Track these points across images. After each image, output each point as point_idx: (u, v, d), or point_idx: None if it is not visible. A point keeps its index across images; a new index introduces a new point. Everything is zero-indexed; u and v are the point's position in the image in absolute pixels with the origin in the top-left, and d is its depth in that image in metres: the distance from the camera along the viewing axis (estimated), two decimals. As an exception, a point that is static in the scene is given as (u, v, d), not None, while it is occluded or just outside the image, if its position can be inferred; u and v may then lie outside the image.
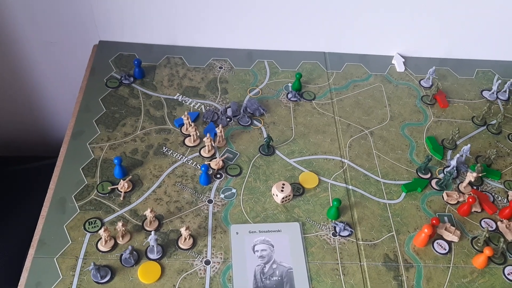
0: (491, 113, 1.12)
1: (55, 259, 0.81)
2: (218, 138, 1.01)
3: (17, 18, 1.19)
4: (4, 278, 0.89)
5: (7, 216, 1.14)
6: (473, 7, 1.15)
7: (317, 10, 1.15)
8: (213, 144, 1.00)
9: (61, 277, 0.79)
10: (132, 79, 1.12)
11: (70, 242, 0.83)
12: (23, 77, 1.33)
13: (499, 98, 1.17)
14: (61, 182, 0.92)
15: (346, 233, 0.89)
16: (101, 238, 0.83)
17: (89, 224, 0.86)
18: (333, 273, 0.83)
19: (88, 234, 0.85)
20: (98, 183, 0.92)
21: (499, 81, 1.16)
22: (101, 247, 0.83)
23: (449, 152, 1.05)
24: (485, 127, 1.11)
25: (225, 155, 0.99)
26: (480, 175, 0.98)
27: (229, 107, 1.08)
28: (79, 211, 0.88)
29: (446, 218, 0.93)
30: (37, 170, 1.24)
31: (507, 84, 1.17)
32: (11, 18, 1.19)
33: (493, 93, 1.17)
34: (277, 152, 1.01)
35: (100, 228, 0.82)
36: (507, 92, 1.17)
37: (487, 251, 0.84)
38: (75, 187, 0.91)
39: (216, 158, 0.98)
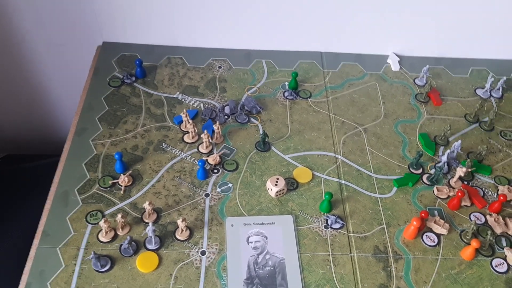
0: (483, 110, 1.14)
1: (57, 249, 0.85)
2: (216, 134, 1.04)
3: (24, 22, 1.23)
4: (11, 266, 0.94)
5: (15, 210, 1.19)
6: (468, 6, 1.17)
7: (313, 10, 1.18)
8: (211, 141, 1.03)
9: (63, 266, 0.83)
10: (134, 78, 1.16)
11: (73, 233, 0.87)
12: (30, 77, 1.38)
13: (492, 96, 1.20)
14: (65, 177, 0.96)
15: (337, 225, 0.92)
16: (101, 229, 0.87)
17: (91, 216, 0.90)
18: (324, 264, 0.86)
19: (90, 226, 0.89)
20: (99, 177, 0.96)
21: (492, 79, 1.18)
22: (102, 238, 0.87)
23: (441, 148, 1.07)
24: (477, 124, 1.13)
25: (222, 151, 1.02)
26: (469, 170, 1.00)
27: (227, 105, 1.11)
28: (81, 204, 0.92)
29: (436, 212, 0.96)
30: (43, 167, 1.28)
31: (500, 81, 1.19)
32: (18, 22, 1.23)
33: (486, 90, 1.19)
34: (272, 148, 1.05)
35: (101, 220, 0.86)
36: (500, 89, 1.19)
37: (474, 243, 0.86)
38: (78, 181, 0.95)
39: (213, 154, 1.01)
